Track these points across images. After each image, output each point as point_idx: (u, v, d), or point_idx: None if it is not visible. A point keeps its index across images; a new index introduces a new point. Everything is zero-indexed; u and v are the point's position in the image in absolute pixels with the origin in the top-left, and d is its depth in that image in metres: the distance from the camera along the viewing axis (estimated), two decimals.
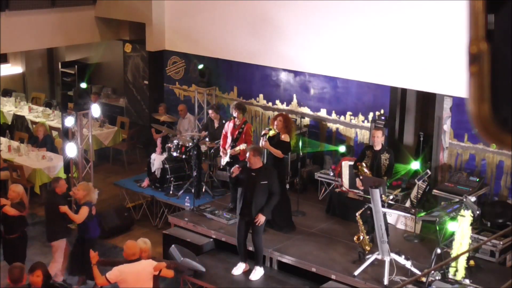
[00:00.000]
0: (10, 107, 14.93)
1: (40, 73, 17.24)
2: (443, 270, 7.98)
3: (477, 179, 9.90)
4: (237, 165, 8.80)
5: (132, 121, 14.44)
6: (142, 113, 14.51)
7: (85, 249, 8.05)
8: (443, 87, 9.22)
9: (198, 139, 10.93)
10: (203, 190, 11.17)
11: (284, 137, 9.59)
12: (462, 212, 8.03)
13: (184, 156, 11.13)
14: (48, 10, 12.14)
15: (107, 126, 13.70)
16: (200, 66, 13.01)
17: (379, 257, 8.24)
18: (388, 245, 8.32)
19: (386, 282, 8.09)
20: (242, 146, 10.05)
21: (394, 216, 9.69)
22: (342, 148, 11.26)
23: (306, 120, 12.02)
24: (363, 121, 11.48)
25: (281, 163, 9.68)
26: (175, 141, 11.22)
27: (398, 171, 10.01)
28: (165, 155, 11.46)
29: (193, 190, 10.64)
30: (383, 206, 8.22)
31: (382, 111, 11.17)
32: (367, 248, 8.68)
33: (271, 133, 9.68)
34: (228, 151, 10.33)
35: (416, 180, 9.72)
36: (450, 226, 8.09)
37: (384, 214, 8.55)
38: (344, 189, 10.46)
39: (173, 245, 9.02)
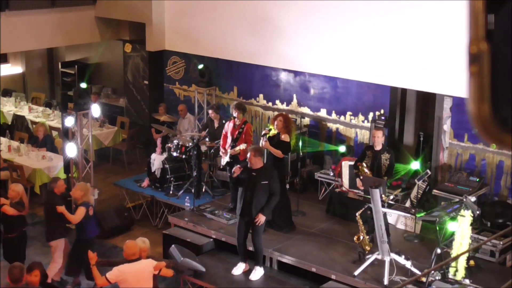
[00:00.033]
0: (10, 107, 14.93)
1: (40, 73, 17.24)
2: (443, 270, 7.98)
3: (477, 179, 9.90)
4: (238, 165, 8.80)
5: (132, 121, 14.44)
6: (142, 113, 14.51)
7: (83, 250, 8.05)
8: (443, 87, 9.22)
9: (198, 139, 10.93)
10: (203, 190, 11.17)
11: (284, 137, 9.59)
12: (462, 212, 8.03)
13: (184, 156, 11.13)
14: (48, 10, 12.14)
15: (107, 126, 13.70)
16: (200, 66, 13.01)
17: (379, 257, 8.24)
18: (389, 245, 8.33)
19: (386, 282, 8.09)
20: (242, 146, 10.05)
21: (394, 216, 9.69)
22: (342, 148, 11.26)
23: (306, 120, 12.02)
24: (363, 121, 11.48)
25: (281, 163, 9.68)
26: (175, 141, 11.22)
27: (398, 171, 10.01)
28: (165, 155, 11.46)
29: (193, 190, 10.64)
30: (383, 206, 8.22)
31: (382, 111, 11.17)
32: (367, 248, 8.68)
33: (272, 133, 9.68)
34: (228, 151, 10.33)
35: (416, 180, 9.71)
36: (450, 226, 8.09)
37: (385, 214, 8.55)
38: (344, 189, 10.46)
39: (173, 245, 9.02)
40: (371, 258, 8.37)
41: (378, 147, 9.08)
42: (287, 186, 10.34)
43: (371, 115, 11.33)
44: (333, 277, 8.53)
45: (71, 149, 10.55)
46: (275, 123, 9.68)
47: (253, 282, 8.76)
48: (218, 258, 9.39)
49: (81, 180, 10.48)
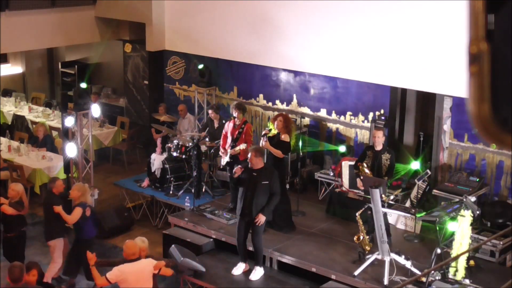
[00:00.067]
0: (10, 107, 14.93)
1: (40, 73, 17.24)
2: (443, 270, 7.98)
3: (477, 179, 9.90)
4: (239, 166, 8.80)
5: (132, 121, 14.44)
6: (142, 113, 14.51)
7: (82, 250, 8.05)
8: (443, 87, 9.22)
9: (198, 139, 10.93)
10: (203, 190, 11.17)
11: (284, 137, 9.60)
12: (462, 212, 8.03)
13: (184, 156, 11.13)
14: (48, 10, 12.14)
15: (107, 126, 13.70)
16: (200, 66, 13.01)
17: (379, 257, 8.24)
18: (389, 245, 8.33)
19: (386, 282, 8.09)
20: (242, 146, 10.05)
21: (394, 216, 9.69)
22: (342, 148, 11.26)
23: (306, 120, 12.02)
24: (363, 121, 11.48)
25: (281, 163, 9.68)
26: (175, 141, 11.22)
27: (398, 171, 10.01)
28: (165, 155, 11.46)
29: (193, 190, 10.64)
30: (383, 206, 8.22)
31: (382, 111, 11.17)
32: (367, 248, 8.68)
33: (272, 133, 9.68)
34: (228, 151, 10.33)
35: (416, 180, 9.71)
36: (450, 226, 8.09)
37: (385, 214, 8.55)
38: (344, 189, 10.46)
39: (173, 245, 9.02)
40: (371, 258, 8.37)
41: (379, 147, 9.08)
42: (287, 186, 10.34)
43: (371, 115, 11.33)
44: (333, 277, 8.53)
45: (71, 149, 10.55)
46: (275, 123, 9.68)
47: (253, 282, 8.76)
48: (218, 258, 9.39)
49: (81, 180, 10.48)
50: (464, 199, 8.17)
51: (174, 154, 11.15)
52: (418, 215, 8.55)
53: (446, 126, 10.36)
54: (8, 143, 12.49)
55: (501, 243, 8.89)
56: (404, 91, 11.15)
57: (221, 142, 10.58)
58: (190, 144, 10.94)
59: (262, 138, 9.72)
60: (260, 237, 8.70)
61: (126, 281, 6.91)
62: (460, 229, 8.01)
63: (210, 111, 11.59)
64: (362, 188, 8.99)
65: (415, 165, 10.00)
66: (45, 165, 11.61)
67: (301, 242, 9.41)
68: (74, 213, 8.57)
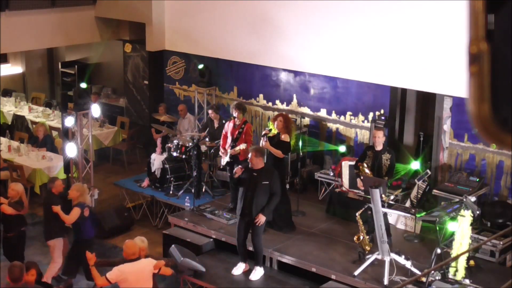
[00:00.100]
0: (10, 107, 14.93)
1: (40, 73, 17.24)
2: (443, 270, 7.98)
3: (477, 179, 9.89)
4: (240, 166, 8.80)
5: (132, 121, 14.44)
6: (142, 113, 14.51)
7: (80, 250, 8.05)
8: (443, 87, 9.22)
9: (198, 139, 10.93)
10: (203, 190, 11.17)
11: (284, 137, 9.60)
12: (462, 212, 8.03)
13: (184, 156, 11.13)
14: (48, 10, 12.14)
15: (107, 126, 13.70)
16: (200, 66, 13.01)
17: (379, 257, 8.24)
18: (390, 245, 8.33)
19: (386, 282, 8.09)
20: (242, 146, 10.05)
21: (394, 216, 9.69)
22: (342, 148, 11.26)
23: (306, 120, 12.02)
24: (363, 121, 11.48)
25: (281, 163, 9.68)
26: (175, 141, 11.22)
27: (398, 171, 10.01)
28: (165, 155, 11.46)
29: (193, 190, 10.64)
30: (383, 206, 8.22)
31: (382, 111, 11.17)
32: (367, 248, 8.68)
33: (272, 133, 9.68)
34: (228, 151, 10.33)
35: (416, 180, 9.71)
36: (450, 226, 8.09)
37: (385, 214, 8.55)
38: (344, 189, 10.46)
39: (173, 245, 9.02)
40: (371, 258, 8.37)
41: (379, 147, 9.08)
42: (287, 186, 10.34)
43: (371, 115, 11.33)
44: (333, 277, 8.53)
45: (71, 149, 10.54)
46: (275, 123, 9.68)
47: (253, 282, 8.76)
48: (218, 258, 9.39)
49: (81, 180, 10.48)
50: (464, 199, 8.17)
51: (174, 154, 11.15)
52: (418, 215, 8.55)
53: (446, 126, 10.36)
54: (8, 143, 12.49)
55: (501, 243, 8.89)
56: (404, 91, 11.15)
57: (221, 142, 10.58)
58: (190, 144, 10.94)
59: (262, 138, 9.72)
60: (260, 237, 8.70)
61: (127, 281, 6.91)
62: (460, 229, 8.01)
63: (210, 111, 11.59)
64: (363, 188, 8.99)
65: (415, 165, 10.00)
66: (45, 165, 11.61)
67: (301, 242, 9.41)
68: (72, 213, 8.57)
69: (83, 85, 13.35)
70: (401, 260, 8.20)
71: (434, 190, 9.90)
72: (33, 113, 14.51)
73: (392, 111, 11.20)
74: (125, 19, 13.01)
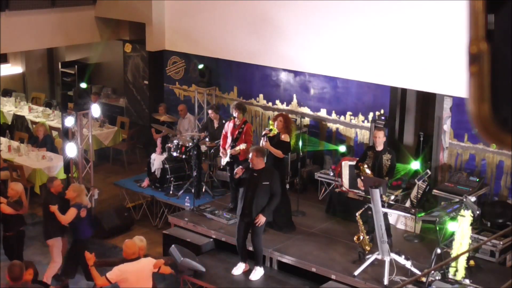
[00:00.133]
0: (10, 107, 14.93)
1: (40, 73, 17.24)
2: (443, 270, 7.98)
3: (477, 179, 9.89)
4: (240, 166, 8.79)
5: (132, 121, 14.44)
6: (142, 113, 14.51)
7: (79, 250, 8.04)
8: (443, 87, 9.22)
9: (198, 139, 10.93)
10: (203, 190, 11.17)
11: (284, 137, 9.60)
12: (462, 212, 8.03)
13: (184, 156, 11.13)
14: (48, 10, 12.15)
15: (107, 126, 13.70)
16: (200, 66, 13.02)
17: (379, 257, 8.24)
18: (390, 246, 8.32)
19: (386, 282, 8.09)
20: (242, 146, 10.05)
21: (394, 216, 9.69)
22: (342, 148, 11.26)
23: (306, 120, 12.02)
24: (363, 121, 11.48)
25: (281, 163, 9.68)
26: (175, 141, 11.22)
27: (398, 171, 10.02)
28: (165, 155, 11.46)
29: (193, 190, 10.64)
30: (383, 206, 8.22)
31: (382, 111, 11.17)
32: (367, 248, 8.68)
33: (272, 133, 9.68)
34: (228, 151, 10.33)
35: (416, 180, 9.71)
36: (450, 226, 8.09)
37: (385, 214, 8.55)
38: (344, 189, 10.46)
39: (173, 245, 9.02)
40: (371, 258, 8.37)
41: (380, 147, 9.08)
42: (287, 186, 10.34)
43: (371, 115, 11.33)
44: (333, 277, 8.53)
45: (71, 149, 10.54)
46: (275, 123, 9.68)
47: (253, 282, 8.76)
48: (218, 258, 9.39)
49: (81, 180, 10.48)
50: (464, 199, 8.17)
51: (174, 154, 11.15)
52: (418, 215, 8.55)
53: (446, 126, 10.36)
54: (8, 143, 12.49)
55: (501, 243, 8.89)
56: (404, 91, 11.15)
57: (221, 142, 10.58)
58: (190, 144, 10.94)
59: (262, 138, 9.72)
60: (260, 237, 8.69)
61: (127, 280, 6.91)
62: (460, 229, 8.01)
63: (210, 111, 11.59)
64: (363, 188, 8.99)
65: (415, 165, 10.00)
66: (45, 165, 11.61)
67: (301, 242, 9.41)
68: (68, 213, 8.56)
69: (83, 85, 13.35)
70: (401, 260, 8.20)
71: (434, 190, 9.90)
72: (33, 113, 14.51)
73: (392, 111, 11.20)
74: (125, 19, 13.01)
